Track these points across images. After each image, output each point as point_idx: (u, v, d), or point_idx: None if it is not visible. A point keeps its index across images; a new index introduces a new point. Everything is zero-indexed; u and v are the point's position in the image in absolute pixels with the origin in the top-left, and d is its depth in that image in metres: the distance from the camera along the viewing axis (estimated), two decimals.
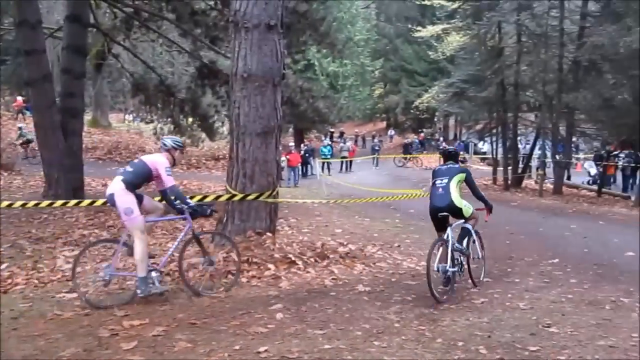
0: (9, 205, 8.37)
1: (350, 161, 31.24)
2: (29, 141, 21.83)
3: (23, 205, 8.36)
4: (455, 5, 28.48)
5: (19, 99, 31.28)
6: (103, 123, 32.39)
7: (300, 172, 25.73)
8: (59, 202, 8.02)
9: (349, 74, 38.23)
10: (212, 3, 15.37)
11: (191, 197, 8.16)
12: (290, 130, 35.87)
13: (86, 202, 7.68)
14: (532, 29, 22.73)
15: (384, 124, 54.23)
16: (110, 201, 6.14)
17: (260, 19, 7.93)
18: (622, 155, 22.48)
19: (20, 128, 23.66)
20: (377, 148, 35.22)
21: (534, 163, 26.96)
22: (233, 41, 8.21)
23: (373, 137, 43.44)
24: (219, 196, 8.24)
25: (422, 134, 41.02)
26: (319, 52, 33.20)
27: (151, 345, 4.77)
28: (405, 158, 33.84)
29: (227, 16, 13.89)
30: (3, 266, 7.28)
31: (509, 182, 23.00)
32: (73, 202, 7.92)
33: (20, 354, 4.63)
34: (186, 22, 15.20)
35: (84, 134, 14.54)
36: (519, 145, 26.88)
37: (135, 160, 6.50)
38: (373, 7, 47.70)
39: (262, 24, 7.93)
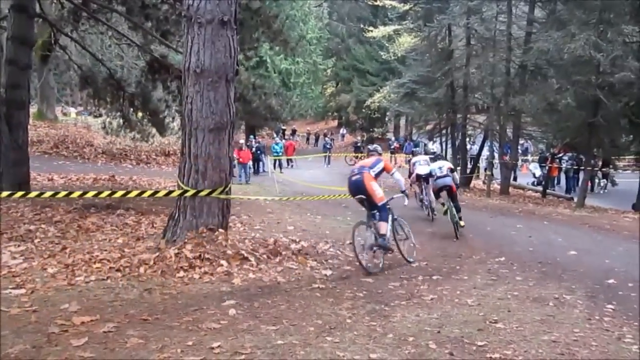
0: None
1: (289, 158, 31.82)
2: None
3: None
4: (407, 7, 28.89)
5: None
6: (49, 116, 31.49)
7: (251, 169, 25.70)
8: (5, 193, 7.77)
9: (301, 72, 38.31)
10: None
11: (142, 192, 8.09)
12: (243, 127, 35.69)
13: (34, 193, 7.46)
14: (481, 32, 23.30)
15: (336, 122, 54.48)
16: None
17: (213, 15, 7.88)
18: (565, 157, 23.26)
19: None
20: (328, 146, 35.42)
21: (482, 164, 27.58)
22: (185, 36, 8.13)
23: (325, 135, 43.62)
24: (171, 192, 8.17)
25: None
26: (271, 50, 33.15)
27: (102, 341, 4.71)
28: (357, 157, 34.14)
29: (179, 10, 13.76)
30: None
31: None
32: (20, 193, 7.68)
33: None
34: (136, 15, 14.94)
35: (29, 127, 14.15)
36: (468, 146, 27.44)
37: None
38: (325, 6, 47.95)
39: (216, 20, 7.88)
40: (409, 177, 15.91)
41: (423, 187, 14.74)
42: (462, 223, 11.78)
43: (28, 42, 13.12)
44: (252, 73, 28.63)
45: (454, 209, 11.65)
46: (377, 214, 8.36)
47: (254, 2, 15.28)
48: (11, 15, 13.17)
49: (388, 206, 8.57)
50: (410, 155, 20.39)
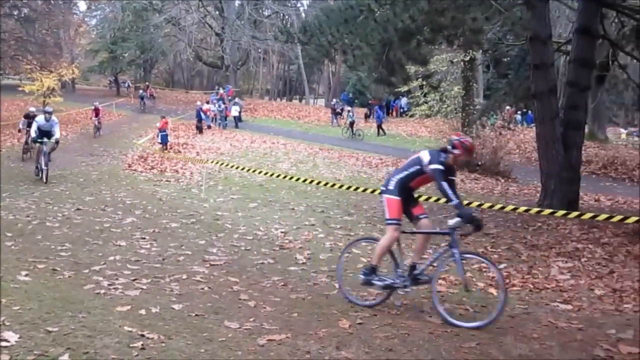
0: (514, 209, 8.88)
1: None
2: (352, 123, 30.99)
3: (526, 210, 8.73)
4: None
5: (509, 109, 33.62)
6: (599, 137, 31.45)
7: None
8: (560, 213, 8.07)
9: None
10: None
11: None
12: None
13: (587, 215, 7.52)
14: None
15: None
16: None
17: None
18: None
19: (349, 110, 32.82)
20: None
21: None
22: None
23: None
24: None
25: None
26: None
27: None
28: None
29: None
30: (502, 266, 7.79)
31: None
32: (574, 214, 7.86)
33: (516, 351, 4.88)
34: None
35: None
36: None
37: None
38: None
39: None
40: None
41: None
42: None
43: (589, 64, 13.34)
44: None
45: None
46: None
47: None
48: (575, 38, 13.64)
49: None
50: None
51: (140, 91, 42.29)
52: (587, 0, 13.25)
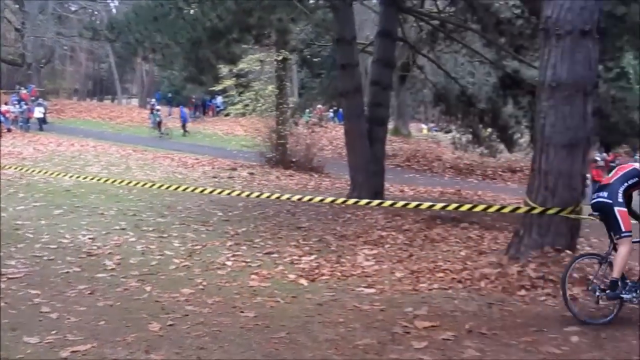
0: (321, 201, 9.27)
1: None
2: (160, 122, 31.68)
3: (332, 201, 9.17)
4: None
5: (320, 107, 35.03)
6: (403, 132, 33.83)
7: None
8: (363, 202, 8.62)
9: None
10: (518, 12, 14.98)
11: (488, 207, 8.10)
12: (597, 143, 33.12)
13: (387, 202, 8.10)
14: None
15: None
16: None
17: (573, 25, 7.43)
18: None
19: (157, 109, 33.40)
20: None
21: None
22: (542, 49, 7.86)
23: None
24: (517, 208, 8.00)
25: None
26: (635, 59, 30.13)
27: (440, 347, 4.86)
28: None
29: (533, 24, 13.45)
30: (312, 257, 8.09)
31: None
32: (375, 202, 8.47)
33: (323, 336, 5.10)
34: (491, 31, 15.07)
35: (386, 141, 15.35)
36: None
37: None
38: None
39: (576, 30, 7.42)
40: None
41: None
42: None
43: (390, 64, 14.29)
44: (611, 85, 26.42)
45: None
46: None
47: (619, 8, 14.10)
48: (377, 40, 14.54)
49: None
50: None
51: None
52: (387, 5, 14.18)
